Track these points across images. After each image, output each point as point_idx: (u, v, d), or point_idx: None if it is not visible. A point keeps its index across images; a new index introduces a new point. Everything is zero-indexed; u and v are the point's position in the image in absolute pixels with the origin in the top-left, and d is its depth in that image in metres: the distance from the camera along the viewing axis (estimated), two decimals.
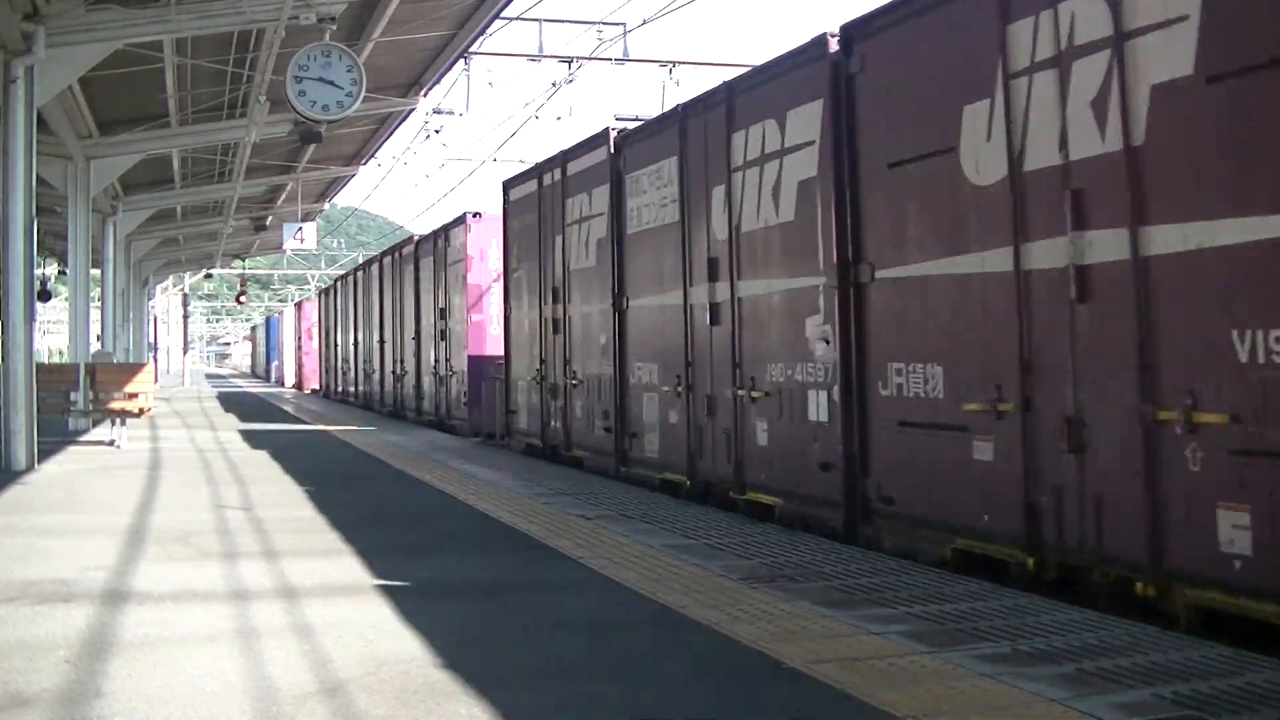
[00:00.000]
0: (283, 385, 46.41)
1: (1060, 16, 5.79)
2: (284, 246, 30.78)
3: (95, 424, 16.70)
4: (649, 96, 53.60)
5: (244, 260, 47.56)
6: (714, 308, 9.22)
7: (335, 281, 34.31)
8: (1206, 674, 4.23)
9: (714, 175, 9.21)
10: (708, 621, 5.14)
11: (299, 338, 43.35)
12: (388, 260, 24.59)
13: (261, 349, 65.52)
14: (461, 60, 18.82)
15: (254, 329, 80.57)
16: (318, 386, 36.98)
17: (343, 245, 69.73)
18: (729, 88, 9.10)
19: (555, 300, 12.84)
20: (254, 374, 69.20)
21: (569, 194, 12.44)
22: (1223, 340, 4.92)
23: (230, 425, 19.69)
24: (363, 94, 12.44)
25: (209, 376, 64.24)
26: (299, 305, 46.05)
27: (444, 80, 19.01)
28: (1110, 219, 5.51)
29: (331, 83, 12.18)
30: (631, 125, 12.08)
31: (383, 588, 5.93)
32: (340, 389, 31.23)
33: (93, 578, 6.17)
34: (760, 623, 5.10)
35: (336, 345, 31.91)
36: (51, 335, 62.31)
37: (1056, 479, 5.82)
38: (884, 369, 7.16)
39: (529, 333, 13.81)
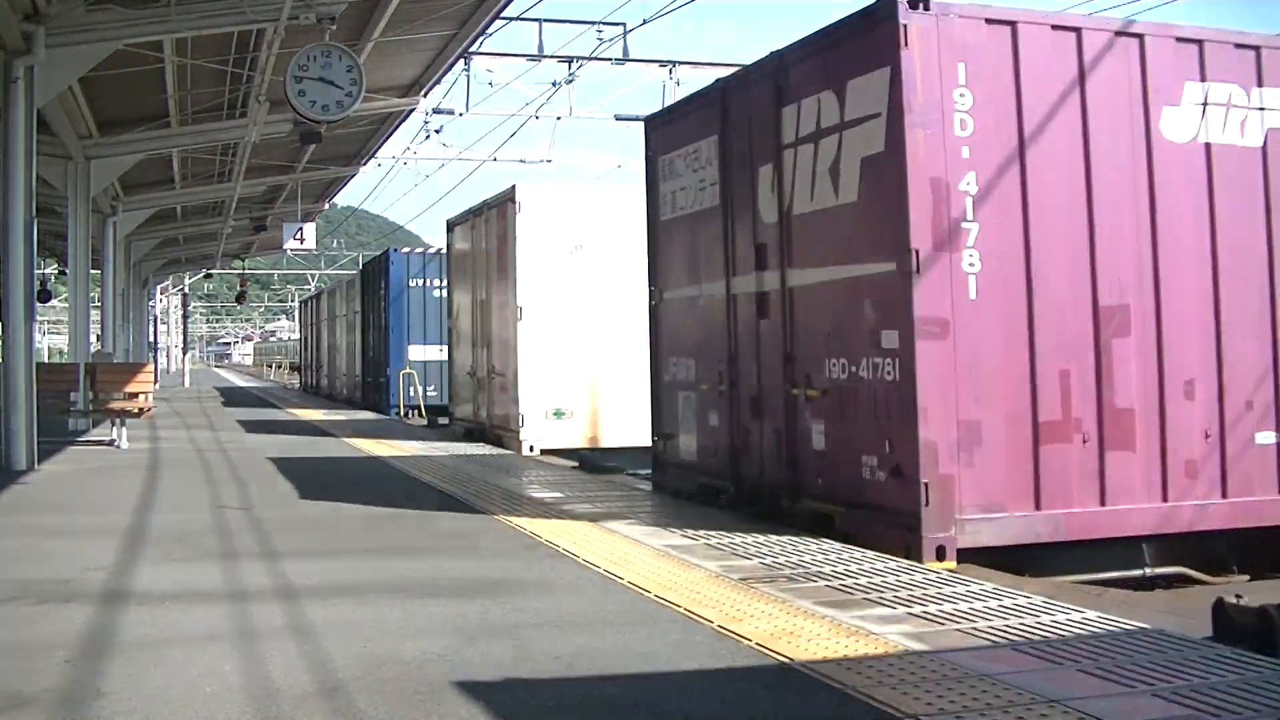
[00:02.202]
0: (473, 438, 16.74)
1: None
2: (284, 246, 30.80)
3: (95, 424, 16.70)
4: (649, 97, 52.98)
5: (244, 260, 47.62)
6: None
7: None
8: (1206, 674, 4.23)
9: None
10: (707, 621, 5.14)
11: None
12: None
13: (340, 339, 33.22)
14: (461, 60, 18.84)
15: (312, 298, 44.19)
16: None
17: (343, 245, 69.80)
18: None
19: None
20: (313, 387, 39.48)
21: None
22: None
23: None
24: (363, 94, 12.45)
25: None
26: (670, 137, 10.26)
27: (444, 80, 19.06)
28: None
29: (331, 83, 12.19)
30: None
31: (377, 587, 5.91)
32: None
33: (93, 578, 6.17)
34: (760, 622, 5.10)
35: None
36: (51, 335, 62.40)
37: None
38: None
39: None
